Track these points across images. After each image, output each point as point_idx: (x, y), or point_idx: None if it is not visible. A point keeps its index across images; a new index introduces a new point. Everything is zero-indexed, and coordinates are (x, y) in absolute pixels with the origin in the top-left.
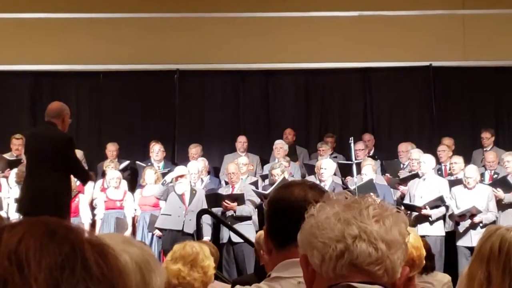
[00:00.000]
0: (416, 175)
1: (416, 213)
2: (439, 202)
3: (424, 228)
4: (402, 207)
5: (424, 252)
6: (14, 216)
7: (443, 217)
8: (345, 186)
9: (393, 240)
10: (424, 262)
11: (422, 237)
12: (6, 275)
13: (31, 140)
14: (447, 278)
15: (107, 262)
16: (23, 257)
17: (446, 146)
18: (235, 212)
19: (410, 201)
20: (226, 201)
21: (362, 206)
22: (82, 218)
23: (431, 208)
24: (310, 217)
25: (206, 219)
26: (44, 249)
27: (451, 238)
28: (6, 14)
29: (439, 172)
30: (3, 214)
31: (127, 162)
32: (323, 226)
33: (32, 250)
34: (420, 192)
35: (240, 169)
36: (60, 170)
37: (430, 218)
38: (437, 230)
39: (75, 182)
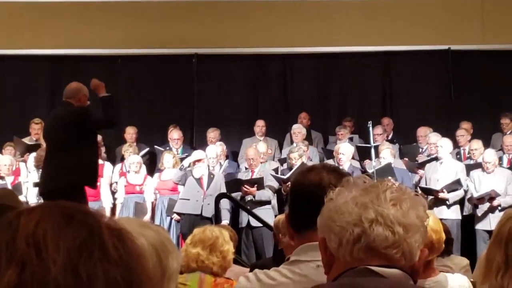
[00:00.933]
0: (435, 159)
1: (433, 197)
2: (456, 185)
3: (441, 212)
4: (419, 191)
5: (443, 236)
6: (33, 200)
7: (460, 201)
8: (363, 170)
9: (410, 223)
10: (444, 245)
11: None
12: (25, 257)
13: (46, 123)
14: (465, 261)
15: (124, 246)
16: (40, 240)
17: (464, 130)
18: (254, 196)
19: (427, 185)
20: (245, 185)
21: (380, 190)
22: (103, 202)
23: (448, 191)
24: (329, 201)
25: (225, 204)
26: (62, 232)
27: (470, 221)
28: None
29: (458, 156)
30: (22, 199)
31: (147, 149)
32: (341, 210)
33: (50, 233)
34: (437, 176)
35: (260, 155)
36: (79, 149)
37: (447, 202)
38: (454, 213)
39: None
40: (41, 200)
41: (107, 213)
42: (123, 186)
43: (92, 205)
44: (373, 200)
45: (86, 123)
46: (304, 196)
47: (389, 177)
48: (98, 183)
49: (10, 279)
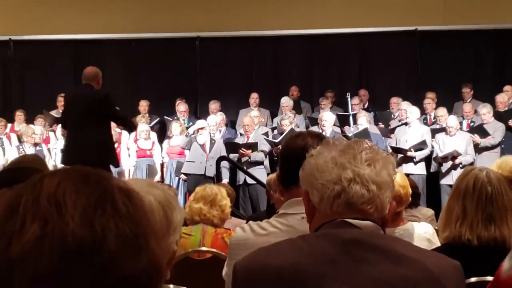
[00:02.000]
0: (405, 124)
1: (402, 155)
2: (422, 145)
3: (408, 168)
4: (390, 150)
5: (410, 190)
6: (61, 165)
7: (426, 159)
8: (344, 134)
9: (383, 181)
10: (410, 198)
11: (407, 175)
12: (46, 214)
13: (73, 100)
14: (430, 212)
15: (132, 203)
16: (60, 199)
17: (430, 99)
18: (249, 158)
19: (397, 145)
20: (242, 149)
21: (356, 151)
22: (123, 165)
23: (415, 150)
24: (310, 157)
25: (225, 164)
26: (80, 191)
27: (435, 177)
28: None
29: (425, 121)
30: (52, 162)
31: (157, 119)
32: (322, 169)
33: (69, 193)
34: (406, 137)
35: (253, 121)
36: (101, 124)
37: (414, 159)
38: (420, 169)
39: (115, 134)
40: None
41: (126, 175)
42: (135, 151)
43: (113, 169)
44: (351, 160)
45: (107, 106)
46: (292, 157)
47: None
48: (119, 149)
49: (35, 232)
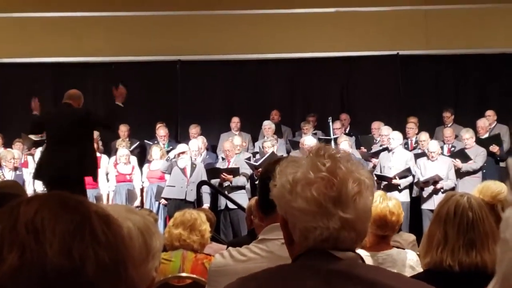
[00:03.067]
0: (386, 149)
1: (386, 182)
2: (406, 173)
3: (393, 196)
4: (375, 177)
5: (401, 219)
6: (40, 189)
7: (408, 186)
8: None
9: (367, 216)
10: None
11: None
12: (24, 241)
13: (51, 118)
14: (412, 237)
15: (111, 230)
16: (39, 226)
17: (413, 123)
18: (231, 183)
19: (381, 172)
20: (223, 173)
21: (340, 183)
22: (101, 189)
23: (400, 178)
24: (284, 185)
25: (206, 190)
26: (58, 218)
27: (417, 202)
28: (29, 13)
29: (406, 146)
30: (31, 188)
31: (137, 143)
32: (303, 209)
33: (47, 219)
34: (390, 164)
35: (235, 147)
36: (82, 140)
37: (399, 187)
38: (404, 196)
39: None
40: (43, 187)
41: (104, 199)
42: (115, 175)
43: (90, 192)
44: (336, 202)
45: (89, 121)
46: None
47: None
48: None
49: (12, 262)
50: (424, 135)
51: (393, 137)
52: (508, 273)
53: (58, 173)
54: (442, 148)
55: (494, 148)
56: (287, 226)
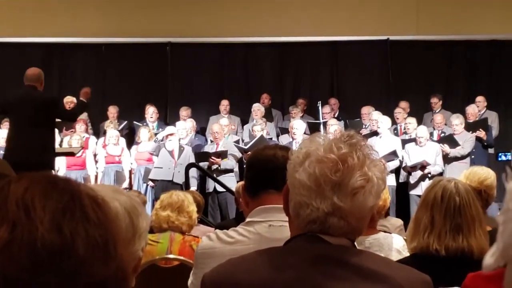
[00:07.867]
0: (375, 133)
1: None
2: (392, 156)
3: None
4: None
5: (388, 203)
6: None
7: (395, 170)
8: None
9: (365, 214)
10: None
11: None
12: (15, 218)
13: (19, 101)
14: (399, 222)
15: (101, 209)
16: (29, 203)
17: (402, 109)
18: (219, 166)
19: None
20: (212, 157)
21: (348, 173)
22: (88, 170)
23: (386, 162)
24: (299, 153)
25: (193, 174)
26: (48, 196)
27: (404, 188)
28: None
29: (395, 132)
30: None
31: (124, 123)
32: (304, 184)
33: (38, 197)
34: (377, 148)
35: (223, 129)
36: (46, 127)
37: None
38: (390, 181)
39: (82, 139)
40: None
41: (92, 180)
42: (104, 156)
43: (78, 173)
44: (335, 188)
45: (55, 109)
46: (261, 164)
47: None
48: (84, 154)
49: (3, 236)
50: (411, 120)
51: (381, 121)
52: (509, 243)
53: (21, 158)
54: (432, 134)
55: (481, 133)
56: (287, 196)
